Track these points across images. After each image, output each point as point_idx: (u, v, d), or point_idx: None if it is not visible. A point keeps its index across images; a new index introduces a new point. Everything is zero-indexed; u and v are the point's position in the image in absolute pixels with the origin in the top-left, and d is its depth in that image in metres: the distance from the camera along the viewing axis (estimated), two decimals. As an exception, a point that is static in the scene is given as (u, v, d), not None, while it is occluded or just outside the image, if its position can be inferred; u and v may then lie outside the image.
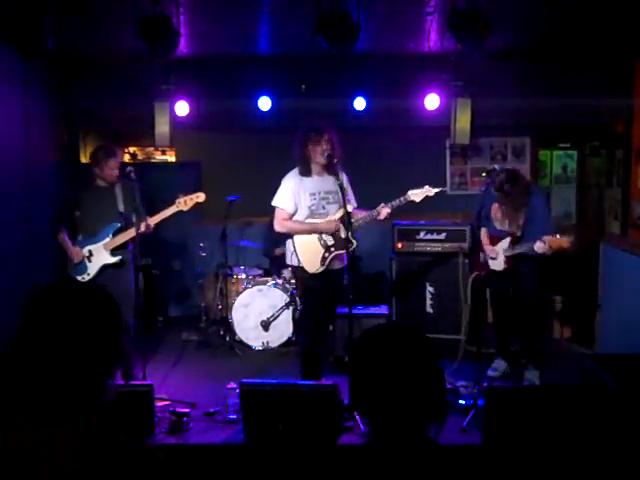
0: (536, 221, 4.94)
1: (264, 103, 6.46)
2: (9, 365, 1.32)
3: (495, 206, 5.11)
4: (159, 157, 9.16)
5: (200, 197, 4.88)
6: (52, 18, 4.28)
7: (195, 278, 7.03)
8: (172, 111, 6.27)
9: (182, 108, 6.35)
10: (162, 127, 6.23)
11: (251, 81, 6.41)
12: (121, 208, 4.85)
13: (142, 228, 4.71)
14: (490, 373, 5.26)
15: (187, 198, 4.81)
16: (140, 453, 1.33)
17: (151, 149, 9.03)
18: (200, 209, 7.36)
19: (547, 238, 4.57)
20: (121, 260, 4.83)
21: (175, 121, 6.31)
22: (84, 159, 7.58)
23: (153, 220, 4.80)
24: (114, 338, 1.38)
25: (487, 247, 5.10)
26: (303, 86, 6.37)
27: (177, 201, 4.79)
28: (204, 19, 5.17)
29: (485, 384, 3.93)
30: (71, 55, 5.97)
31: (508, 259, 4.99)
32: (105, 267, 4.83)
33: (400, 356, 1.49)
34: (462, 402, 4.37)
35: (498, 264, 5.05)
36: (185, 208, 4.80)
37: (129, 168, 4.89)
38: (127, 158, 8.81)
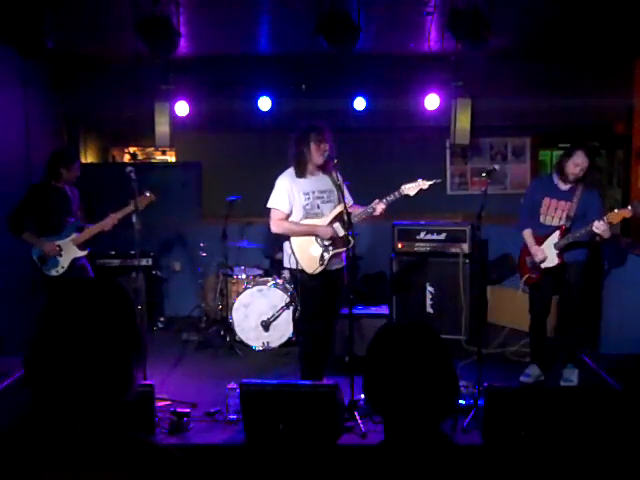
0: (589, 214, 4.77)
1: (264, 103, 6.46)
2: (34, 365, 1.32)
3: (546, 201, 4.93)
4: (159, 157, 9.18)
5: (151, 197, 5.15)
6: (52, 18, 4.29)
7: (195, 278, 7.03)
8: (172, 111, 6.27)
9: (182, 108, 6.35)
10: (162, 127, 6.24)
11: (251, 81, 6.42)
12: (75, 207, 5.20)
13: (107, 226, 5.13)
14: (523, 379, 5.06)
15: (141, 198, 5.04)
16: (163, 451, 1.34)
17: (151, 149, 9.05)
18: (200, 209, 7.44)
19: (605, 216, 4.56)
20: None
21: (175, 121, 6.32)
22: (84, 159, 7.59)
23: (115, 217, 5.11)
24: (134, 330, 1.38)
25: (533, 247, 4.90)
26: (303, 86, 6.37)
27: (131, 201, 4.94)
28: (204, 19, 5.17)
29: (485, 384, 3.93)
30: (71, 55, 5.98)
31: (559, 254, 4.82)
32: (74, 260, 5.13)
33: (413, 353, 1.51)
34: (462, 402, 4.36)
35: (550, 260, 4.86)
36: (140, 207, 5.01)
37: (129, 168, 4.90)
38: (127, 158, 8.83)
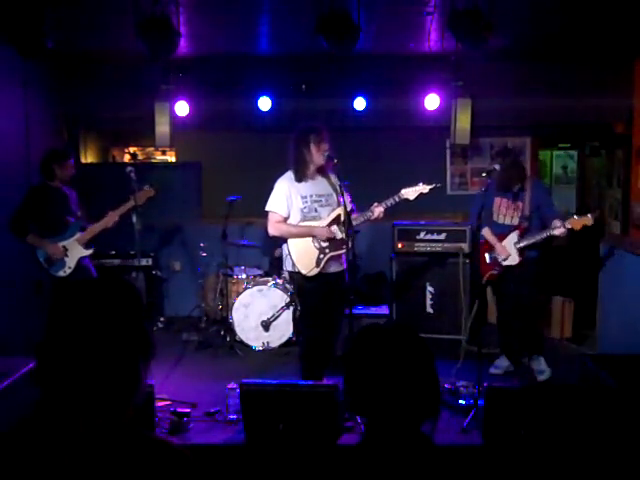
0: (540, 210, 4.99)
1: (264, 103, 6.46)
2: (44, 364, 1.31)
3: (497, 201, 5.11)
4: (159, 157, 9.18)
5: (150, 191, 5.14)
6: (52, 18, 4.29)
7: (195, 278, 7.03)
8: (172, 111, 6.27)
9: (182, 108, 6.35)
10: (162, 127, 6.24)
11: (251, 81, 6.41)
12: (74, 206, 5.19)
13: (109, 224, 5.12)
14: (492, 370, 5.25)
15: (140, 193, 5.05)
16: (172, 448, 1.34)
17: (151, 149, 9.05)
18: (200, 209, 7.44)
19: (568, 221, 4.72)
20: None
21: (175, 121, 6.32)
22: (84, 159, 7.59)
23: (116, 214, 5.10)
24: (143, 328, 1.38)
25: (497, 245, 5.04)
26: (303, 86, 6.37)
27: (131, 197, 4.97)
28: (204, 19, 5.17)
29: (485, 384, 3.93)
30: (71, 55, 5.98)
31: (521, 251, 4.97)
32: (79, 260, 5.12)
33: (393, 355, 1.51)
34: (462, 402, 4.36)
35: (512, 259, 5.01)
36: (140, 202, 5.02)
37: (129, 168, 4.92)
38: (127, 158, 8.83)
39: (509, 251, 5.01)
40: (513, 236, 5.00)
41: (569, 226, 4.73)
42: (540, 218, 4.99)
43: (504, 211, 5.09)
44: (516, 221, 5.04)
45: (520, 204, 5.02)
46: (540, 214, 4.99)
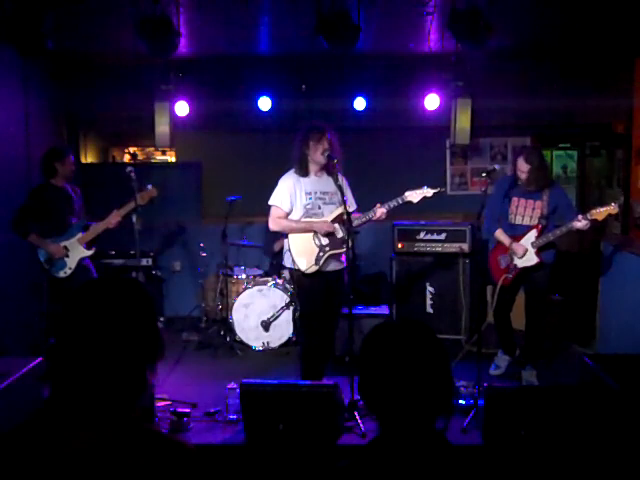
0: (559, 209, 4.84)
1: (264, 103, 6.47)
2: (55, 365, 1.32)
3: (515, 201, 4.93)
4: (159, 157, 9.18)
5: (153, 191, 5.13)
6: (52, 18, 4.29)
7: (195, 278, 7.03)
8: (172, 111, 6.27)
9: (182, 108, 6.35)
10: (162, 127, 6.24)
11: (251, 81, 6.42)
12: (77, 206, 5.19)
13: (112, 224, 5.11)
14: (492, 371, 5.23)
15: (143, 193, 5.04)
16: (176, 444, 1.36)
17: (151, 149, 9.05)
18: (200, 209, 7.44)
19: (589, 212, 4.56)
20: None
21: (175, 121, 6.32)
22: (84, 159, 7.59)
23: (119, 214, 5.09)
24: (152, 329, 1.38)
25: (513, 244, 4.85)
26: (303, 86, 6.37)
27: (134, 197, 4.94)
28: (204, 19, 5.17)
29: (485, 384, 3.93)
30: (71, 55, 5.98)
31: (538, 251, 4.80)
32: (80, 260, 5.10)
33: (409, 351, 1.52)
34: (462, 402, 4.36)
35: (529, 259, 4.82)
36: (142, 202, 5.00)
37: (129, 168, 4.91)
38: (127, 158, 8.82)
39: (527, 248, 4.81)
40: (531, 235, 4.83)
41: (592, 217, 4.55)
42: (558, 219, 4.82)
43: (522, 211, 4.90)
44: (535, 221, 4.85)
45: (540, 203, 4.85)
46: (558, 215, 4.83)
